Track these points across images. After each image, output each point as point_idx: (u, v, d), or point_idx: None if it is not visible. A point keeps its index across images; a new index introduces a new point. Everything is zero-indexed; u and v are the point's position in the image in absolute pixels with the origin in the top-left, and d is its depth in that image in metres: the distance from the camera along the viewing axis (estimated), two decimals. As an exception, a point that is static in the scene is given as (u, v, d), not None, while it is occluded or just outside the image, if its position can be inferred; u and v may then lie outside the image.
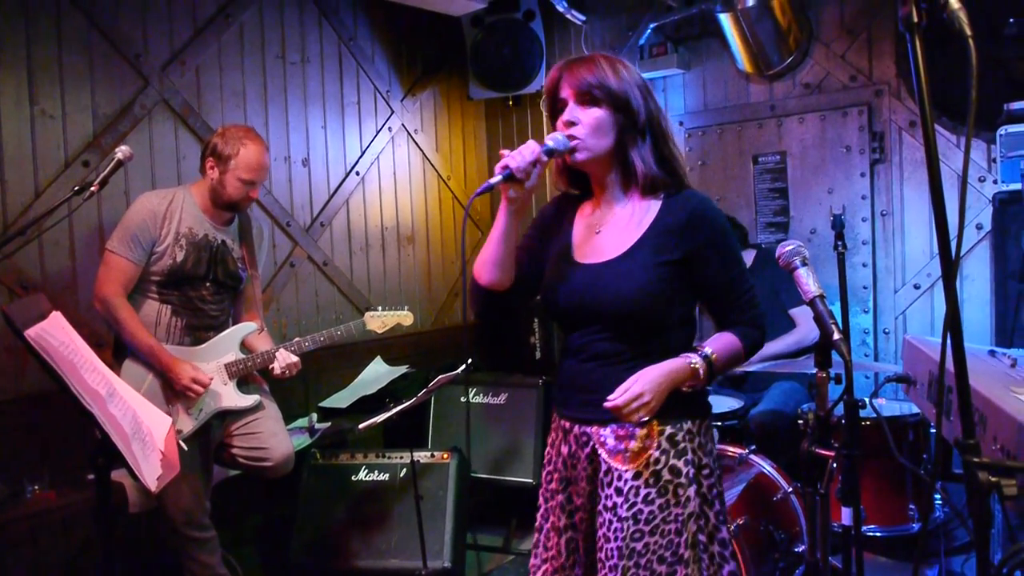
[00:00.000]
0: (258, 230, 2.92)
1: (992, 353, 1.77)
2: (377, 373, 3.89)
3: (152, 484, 1.63)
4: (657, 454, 1.59)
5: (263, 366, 2.74)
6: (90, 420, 1.55)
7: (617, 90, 1.60)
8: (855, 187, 3.63)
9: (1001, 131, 2.89)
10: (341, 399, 3.70)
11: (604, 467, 1.62)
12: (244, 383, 2.78)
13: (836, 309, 2.36)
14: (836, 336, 1.56)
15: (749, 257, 3.43)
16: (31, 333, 1.50)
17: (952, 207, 1.26)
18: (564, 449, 1.71)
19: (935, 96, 1.03)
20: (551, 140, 1.61)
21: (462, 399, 3.69)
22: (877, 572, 2.85)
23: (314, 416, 3.51)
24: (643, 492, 1.57)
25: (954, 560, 2.96)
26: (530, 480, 3.43)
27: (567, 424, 1.71)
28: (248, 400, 2.73)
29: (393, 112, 4.23)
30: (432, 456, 3.12)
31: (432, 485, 3.04)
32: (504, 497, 3.65)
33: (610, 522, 1.59)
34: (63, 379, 1.52)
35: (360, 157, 4.07)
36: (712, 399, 2.65)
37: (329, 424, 3.47)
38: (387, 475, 3.09)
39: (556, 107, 1.68)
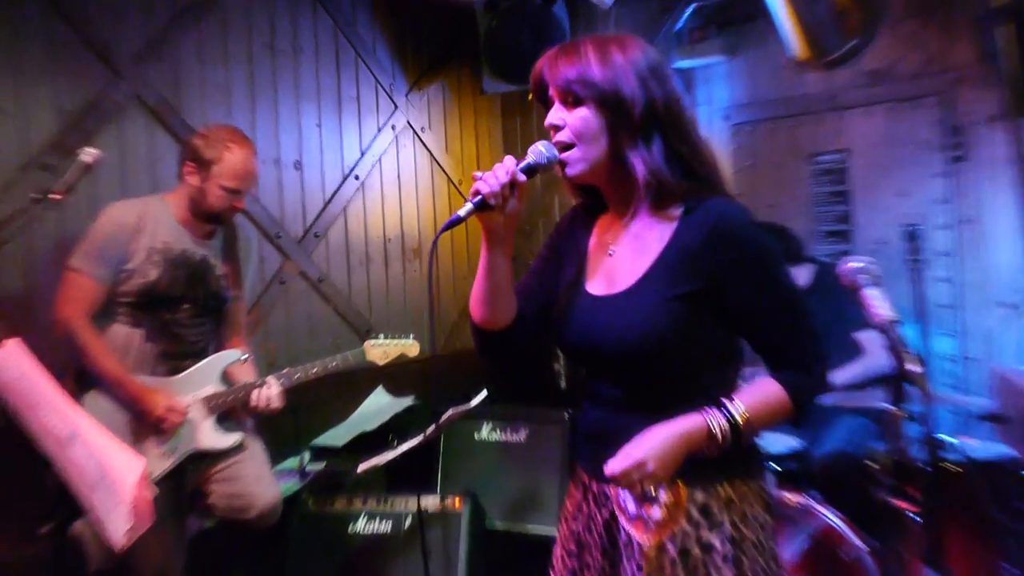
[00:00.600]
0: (245, 243, 2.92)
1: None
2: (379, 405, 3.87)
3: (118, 539, 1.61)
4: (687, 527, 1.48)
5: (247, 400, 2.72)
6: (47, 464, 1.53)
7: (601, 82, 1.45)
8: (929, 190, 3.59)
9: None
10: (337, 436, 3.68)
11: (624, 536, 1.54)
12: (225, 419, 2.76)
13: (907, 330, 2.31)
14: (914, 367, 1.52)
15: (805, 274, 3.37)
16: (-21, 365, 1.49)
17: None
18: (585, 508, 1.64)
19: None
20: (532, 153, 1.50)
21: (476, 436, 3.66)
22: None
23: (306, 456, 3.49)
24: (668, 572, 1.47)
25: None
26: (553, 531, 3.37)
27: (585, 478, 1.65)
28: (229, 440, 2.71)
29: (397, 108, 4.24)
30: (442, 502, 3.10)
31: (442, 537, 3.01)
32: (523, 550, 3.60)
33: None
34: (18, 417, 1.50)
35: (360, 159, 4.07)
36: (765, 436, 2.59)
37: (323, 465, 3.45)
38: (390, 525, 3.07)
39: (548, 108, 1.57)
